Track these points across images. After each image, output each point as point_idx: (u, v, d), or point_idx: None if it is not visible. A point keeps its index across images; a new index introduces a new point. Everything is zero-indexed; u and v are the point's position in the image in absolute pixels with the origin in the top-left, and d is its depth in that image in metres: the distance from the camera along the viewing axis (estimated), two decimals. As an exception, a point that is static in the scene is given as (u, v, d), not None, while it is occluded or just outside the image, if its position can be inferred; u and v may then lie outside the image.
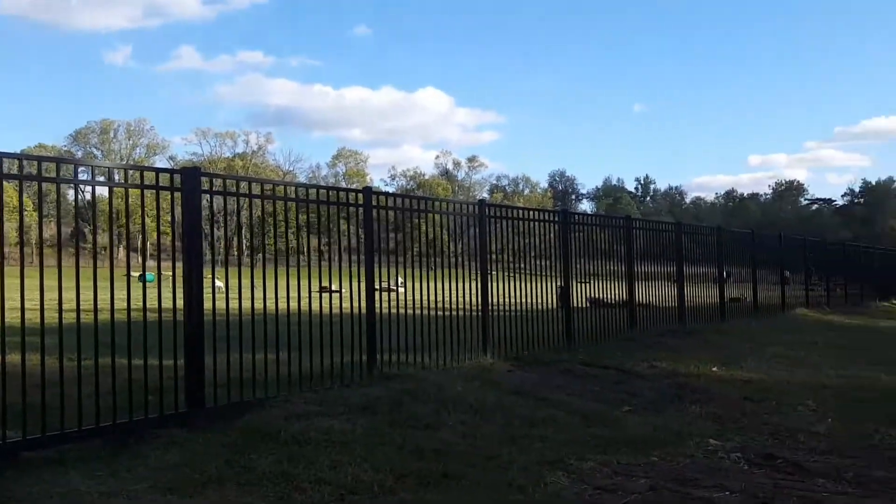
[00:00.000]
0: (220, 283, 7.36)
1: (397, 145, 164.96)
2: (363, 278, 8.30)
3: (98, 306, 5.61)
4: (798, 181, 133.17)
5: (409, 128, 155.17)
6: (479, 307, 10.04)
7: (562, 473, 5.67)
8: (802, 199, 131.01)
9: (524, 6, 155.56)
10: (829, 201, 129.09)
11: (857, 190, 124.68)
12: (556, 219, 11.81)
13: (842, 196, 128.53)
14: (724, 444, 6.81)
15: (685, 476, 5.79)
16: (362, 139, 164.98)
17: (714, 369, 10.41)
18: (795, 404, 8.49)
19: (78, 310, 5.68)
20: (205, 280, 6.53)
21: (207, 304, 6.48)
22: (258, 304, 7.07)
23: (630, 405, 8.36)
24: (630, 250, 13.39)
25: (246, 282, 7.52)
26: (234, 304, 7.30)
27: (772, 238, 21.36)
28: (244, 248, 7.91)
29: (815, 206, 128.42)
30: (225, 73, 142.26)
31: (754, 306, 17.81)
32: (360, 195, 8.34)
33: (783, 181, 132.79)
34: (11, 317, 5.58)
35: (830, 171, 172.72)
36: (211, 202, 6.75)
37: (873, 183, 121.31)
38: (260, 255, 7.76)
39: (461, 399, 7.48)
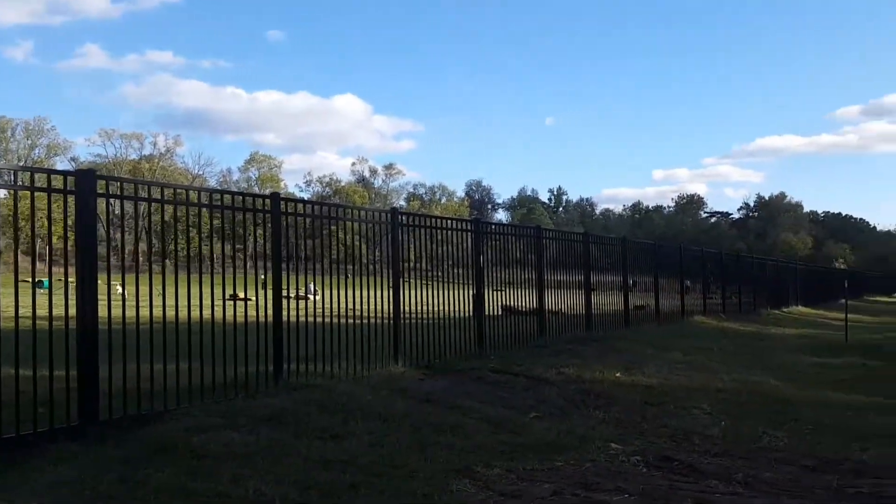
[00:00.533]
0: (121, 290, 7.06)
1: (313, 151, 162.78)
2: (271, 285, 8.14)
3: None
4: (698, 195, 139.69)
5: (325, 134, 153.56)
6: (392, 315, 10.02)
7: (468, 481, 5.71)
8: (702, 212, 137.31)
9: (442, 16, 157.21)
10: (726, 214, 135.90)
11: (751, 204, 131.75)
12: (469, 228, 11.92)
13: (738, 210, 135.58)
14: (625, 448, 7.04)
15: (587, 480, 5.94)
16: (276, 144, 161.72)
17: (617, 375, 10.76)
18: (692, 408, 8.88)
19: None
20: (109, 287, 6.24)
21: (105, 313, 6.19)
22: (160, 313, 6.78)
23: (538, 411, 8.52)
24: (540, 260, 13.67)
25: (148, 289, 7.20)
26: (135, 312, 7.01)
27: (672, 249, 22.31)
28: (146, 254, 7.58)
29: (713, 219, 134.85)
30: (132, 72, 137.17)
31: (656, 314, 18.51)
32: (268, 201, 8.18)
33: (685, 195, 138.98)
34: None
35: (728, 185, 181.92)
36: (107, 206, 6.46)
37: (766, 198, 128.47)
38: (164, 261, 7.45)
39: (370, 408, 7.43)
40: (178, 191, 7.25)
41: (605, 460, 6.62)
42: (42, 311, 6.06)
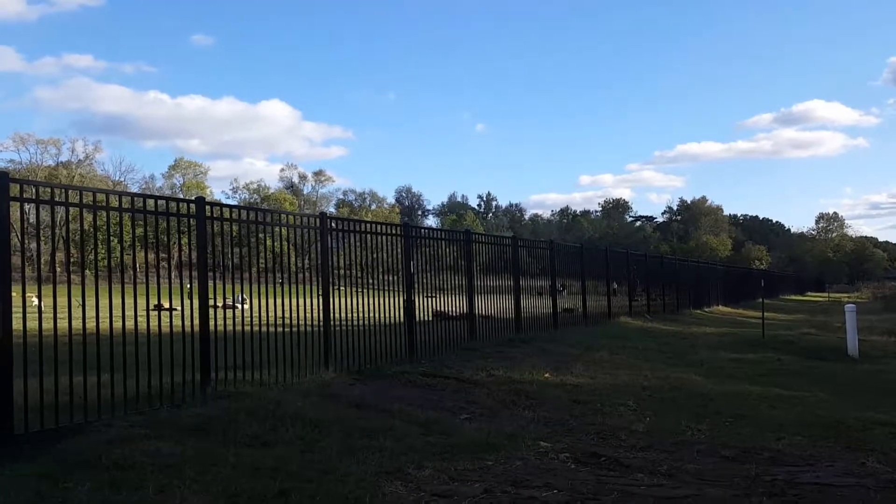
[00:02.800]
0: (37, 302, 6.77)
1: (240, 157, 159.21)
2: (198, 293, 7.96)
3: None
4: (624, 199, 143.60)
5: (252, 140, 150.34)
6: (322, 322, 9.93)
7: (400, 482, 5.73)
8: (627, 217, 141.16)
9: (372, 20, 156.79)
10: (650, 218, 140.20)
11: (674, 208, 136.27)
12: (399, 232, 11.94)
13: (662, 213, 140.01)
14: (553, 446, 7.18)
15: (517, 478, 6.04)
16: (201, 150, 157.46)
17: (546, 375, 10.96)
18: (618, 405, 9.13)
19: None
20: (24, 298, 5.98)
21: (20, 325, 5.93)
22: (80, 325, 6.53)
23: (468, 413, 8.61)
24: (470, 264, 13.81)
25: (66, 301, 6.93)
26: (54, 323, 6.71)
27: (599, 252, 22.88)
28: (64, 263, 7.29)
29: (638, 223, 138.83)
30: (48, 76, 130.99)
31: (584, 316, 18.94)
32: (193, 206, 8.00)
33: (611, 199, 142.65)
34: None
35: (651, 190, 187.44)
36: (21, 212, 6.21)
37: (689, 202, 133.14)
38: (84, 270, 7.18)
39: (300, 414, 7.36)
40: (99, 195, 7.02)
41: (534, 458, 6.74)
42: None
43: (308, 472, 5.74)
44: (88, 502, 4.71)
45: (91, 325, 6.54)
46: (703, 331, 19.31)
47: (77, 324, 6.53)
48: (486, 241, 15.07)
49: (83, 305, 6.54)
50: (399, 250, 11.79)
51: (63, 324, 6.44)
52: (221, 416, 6.81)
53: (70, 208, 6.97)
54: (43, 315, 6.21)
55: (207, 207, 8.05)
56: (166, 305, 8.02)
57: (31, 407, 6.03)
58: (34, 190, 6.24)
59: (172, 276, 7.99)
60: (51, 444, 5.67)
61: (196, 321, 7.87)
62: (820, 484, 5.90)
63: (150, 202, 7.49)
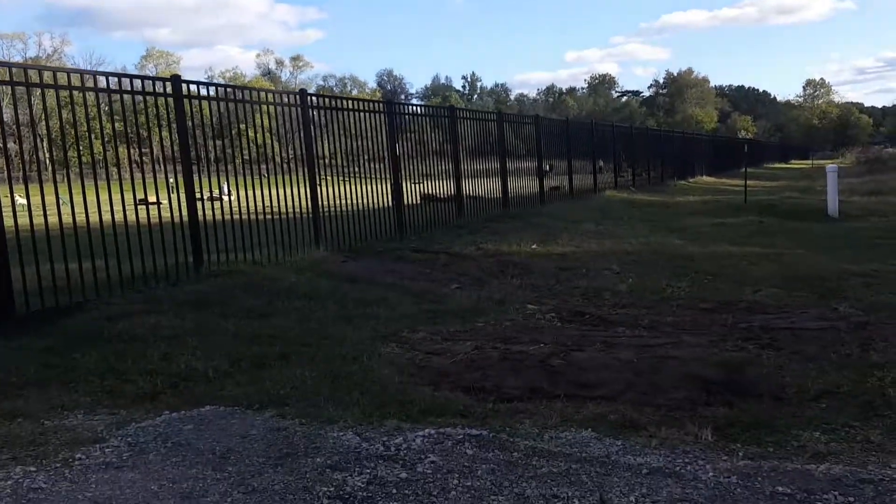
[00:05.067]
0: (22, 201, 6.75)
1: (212, 46, 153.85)
2: (182, 182, 7.96)
3: None
4: (610, 75, 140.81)
5: (224, 27, 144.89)
6: (310, 201, 9.99)
7: (395, 344, 5.99)
8: (614, 92, 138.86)
9: None
10: (637, 93, 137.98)
11: (661, 81, 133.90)
12: (382, 109, 11.79)
13: (648, 87, 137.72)
14: (540, 308, 7.46)
15: (506, 335, 6.32)
16: (172, 40, 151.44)
17: (533, 247, 11.19)
18: (602, 270, 9.40)
19: None
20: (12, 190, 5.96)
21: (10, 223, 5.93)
22: (69, 219, 6.55)
23: (458, 283, 8.86)
24: (456, 140, 13.74)
25: (52, 198, 6.89)
26: (41, 219, 6.70)
27: (584, 126, 22.71)
28: (48, 160, 7.21)
29: (624, 98, 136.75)
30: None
31: (570, 192, 19.07)
32: (169, 84, 7.84)
33: (597, 75, 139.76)
34: None
35: (637, 64, 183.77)
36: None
37: (675, 74, 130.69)
38: (67, 168, 7.13)
39: (294, 289, 7.56)
40: (73, 76, 6.82)
41: (522, 319, 7.02)
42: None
43: (306, 338, 5.97)
44: (96, 370, 4.93)
45: (81, 218, 6.56)
46: (687, 199, 19.55)
47: (66, 219, 6.53)
48: (471, 118, 14.91)
49: (71, 203, 6.53)
50: (383, 132, 11.70)
51: (53, 219, 6.45)
52: (218, 292, 6.99)
53: (47, 98, 6.82)
54: (32, 212, 6.23)
55: (184, 86, 7.89)
56: (151, 200, 8.01)
57: (31, 291, 6.17)
58: (7, 71, 6.09)
59: (155, 170, 7.92)
60: (53, 322, 5.84)
61: (183, 202, 7.90)
62: (794, 328, 6.21)
63: (126, 82, 7.34)
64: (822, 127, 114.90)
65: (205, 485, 3.32)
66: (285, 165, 10.32)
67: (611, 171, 23.36)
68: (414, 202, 12.47)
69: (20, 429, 3.95)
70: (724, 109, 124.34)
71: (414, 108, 13.67)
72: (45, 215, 6.45)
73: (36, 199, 6.54)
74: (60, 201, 6.53)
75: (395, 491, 3.26)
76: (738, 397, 4.55)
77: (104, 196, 6.88)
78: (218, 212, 8.34)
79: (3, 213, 5.94)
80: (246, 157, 9.53)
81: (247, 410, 4.35)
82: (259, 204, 8.97)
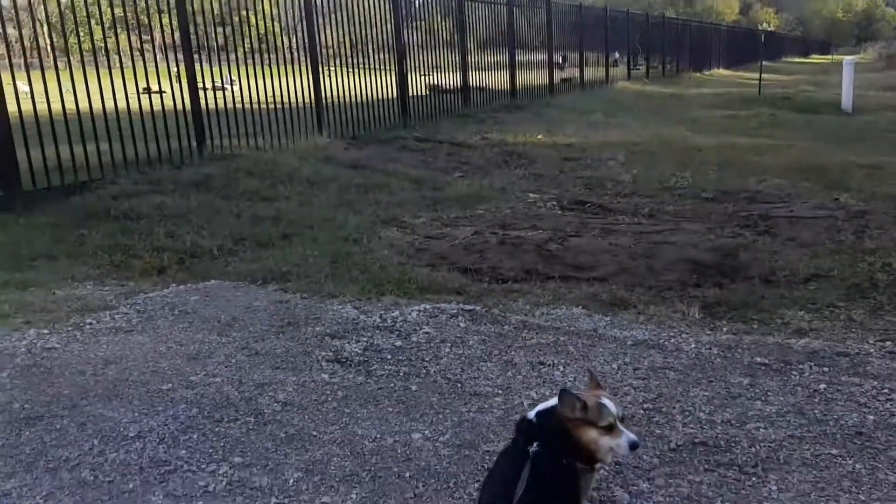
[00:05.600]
0: (25, 88, 6.67)
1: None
2: (185, 69, 7.84)
3: None
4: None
5: None
6: (312, 89, 9.85)
7: (395, 228, 6.08)
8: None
9: None
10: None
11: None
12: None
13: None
14: (542, 196, 7.49)
15: (505, 222, 6.39)
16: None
17: (539, 137, 11.09)
18: (607, 160, 9.35)
19: None
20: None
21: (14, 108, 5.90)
22: (72, 106, 6.49)
23: (461, 172, 8.85)
24: (463, 29, 13.34)
25: (57, 85, 6.79)
26: (45, 106, 6.61)
27: (598, 13, 21.87)
28: (49, 49, 7.04)
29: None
30: None
31: (581, 83, 18.65)
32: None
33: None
34: None
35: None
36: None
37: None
38: (68, 56, 6.97)
39: (297, 174, 7.59)
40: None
41: (522, 207, 7.06)
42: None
43: (308, 220, 6.07)
44: (104, 246, 5.06)
45: (85, 106, 6.51)
46: (700, 92, 19.12)
47: (69, 105, 6.47)
48: (480, 0, 14.37)
49: (73, 90, 6.44)
50: (390, 20, 11.36)
51: (57, 107, 6.38)
52: (221, 175, 7.04)
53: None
54: (35, 99, 6.17)
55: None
56: (155, 89, 7.90)
57: (38, 171, 6.21)
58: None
59: (157, 59, 7.76)
60: (60, 200, 5.93)
61: (186, 87, 7.82)
62: (793, 216, 6.25)
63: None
64: (845, 20, 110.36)
65: (210, 348, 3.48)
66: (289, 54, 10.08)
67: (624, 63, 22.75)
68: (420, 93, 12.27)
69: (32, 297, 4.11)
70: (745, 0, 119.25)
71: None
72: (49, 101, 6.40)
73: (39, 87, 6.48)
74: (63, 89, 6.45)
75: (389, 356, 3.42)
76: (728, 280, 4.65)
77: (107, 83, 6.80)
78: (222, 101, 8.26)
79: (7, 99, 5.90)
80: (249, 46, 9.30)
81: (251, 285, 4.50)
82: (263, 94, 8.85)
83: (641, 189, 7.76)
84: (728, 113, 14.24)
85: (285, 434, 2.69)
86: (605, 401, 2.00)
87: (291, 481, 2.39)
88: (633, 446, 1.98)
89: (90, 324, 3.73)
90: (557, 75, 17.36)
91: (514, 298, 4.30)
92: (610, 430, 1.96)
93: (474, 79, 13.76)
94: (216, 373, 3.21)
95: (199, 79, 7.95)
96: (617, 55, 22.83)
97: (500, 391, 3.07)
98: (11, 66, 6.35)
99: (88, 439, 2.61)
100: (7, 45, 6.39)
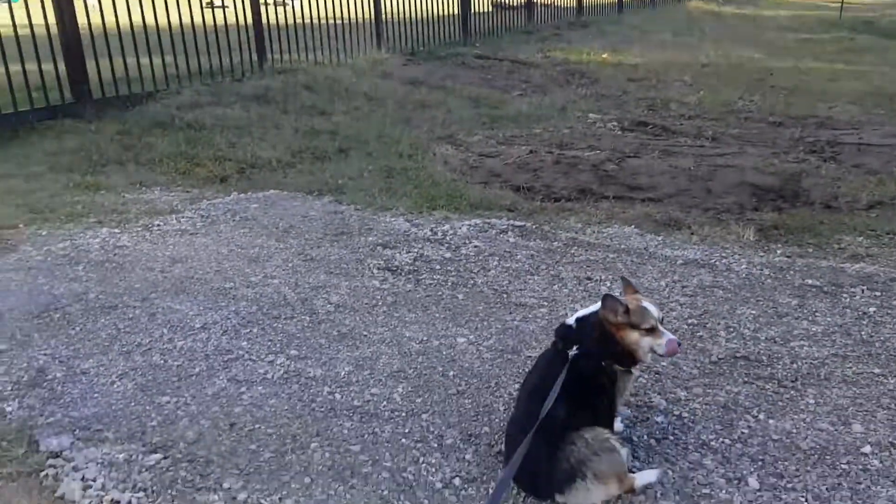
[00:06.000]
0: (93, 2, 6.76)
1: None
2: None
3: None
4: None
5: None
6: (372, 1, 9.73)
7: (450, 145, 6.09)
8: None
9: None
10: None
11: None
12: None
13: None
14: (602, 117, 7.35)
15: (563, 141, 6.32)
16: None
17: (604, 56, 10.76)
18: (673, 81, 9.04)
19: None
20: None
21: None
22: (139, 20, 6.58)
23: (520, 90, 8.71)
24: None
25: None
26: (116, 19, 6.70)
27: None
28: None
29: None
30: None
31: (652, 1, 17.85)
32: None
33: None
34: None
35: None
36: None
37: None
38: None
39: (354, 89, 7.61)
40: None
41: (582, 127, 6.95)
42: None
43: (364, 135, 6.12)
44: (170, 154, 5.24)
45: (150, 20, 6.59)
46: (777, 14, 18.07)
47: (136, 19, 6.55)
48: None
49: (140, 4, 6.51)
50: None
51: (123, 20, 6.46)
52: (280, 88, 7.12)
53: None
54: (96, 13, 6.28)
55: None
56: (217, 4, 7.92)
57: (106, 81, 6.38)
58: None
59: None
60: (127, 109, 6.12)
61: (249, 9, 7.85)
62: (861, 143, 6.00)
63: None
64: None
65: (269, 252, 3.64)
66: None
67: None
68: (483, 10, 11.99)
69: (103, 199, 4.33)
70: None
71: None
72: (116, 14, 6.50)
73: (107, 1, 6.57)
74: (129, 2, 6.53)
75: (438, 267, 3.51)
76: (788, 204, 4.55)
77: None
78: (283, 17, 8.25)
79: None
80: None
81: (307, 196, 4.62)
82: (323, 10, 8.79)
83: (706, 111, 7.53)
84: (804, 36, 13.48)
85: (338, 332, 2.83)
86: (647, 304, 2.05)
87: (343, 374, 2.53)
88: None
89: (158, 225, 3.92)
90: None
91: (566, 217, 4.31)
92: (651, 331, 2.01)
93: (540, -4, 13.36)
94: (274, 275, 3.37)
95: None
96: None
97: (545, 303, 3.14)
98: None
99: (158, 328, 2.80)
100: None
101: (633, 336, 2.01)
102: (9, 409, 2.26)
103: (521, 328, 2.91)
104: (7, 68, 5.63)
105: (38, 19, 5.81)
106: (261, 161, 5.30)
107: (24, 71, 5.74)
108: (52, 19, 5.92)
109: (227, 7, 7.82)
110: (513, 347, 2.75)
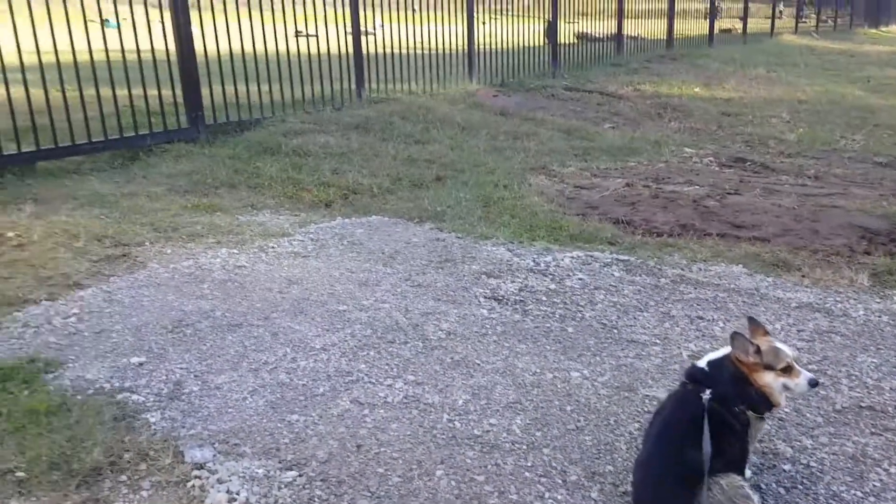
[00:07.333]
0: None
1: None
2: (344, 20, 8.14)
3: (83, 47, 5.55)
4: None
5: None
6: (466, 35, 9.92)
7: (544, 176, 6.13)
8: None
9: None
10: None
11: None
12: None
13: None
14: (698, 152, 7.26)
15: (659, 175, 6.27)
16: None
17: (696, 90, 10.64)
18: (770, 117, 8.86)
19: (73, 49, 5.61)
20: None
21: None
22: (247, 47, 6.91)
23: (611, 123, 8.70)
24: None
25: (233, 24, 7.22)
26: (222, 47, 7.06)
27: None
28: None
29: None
30: None
31: (743, 34, 17.54)
32: None
33: None
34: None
35: None
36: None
37: None
38: None
39: (448, 118, 7.76)
40: None
41: (677, 162, 6.88)
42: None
43: (460, 164, 6.23)
44: (277, 178, 5.46)
45: (249, 47, 6.91)
46: (876, 49, 17.47)
47: (239, 47, 6.87)
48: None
49: (241, 32, 6.83)
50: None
51: (230, 45, 6.80)
52: (378, 118, 7.32)
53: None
54: (217, 34, 6.61)
55: None
56: (307, 33, 8.21)
57: (217, 107, 6.71)
58: None
59: (315, 4, 8.00)
60: (237, 134, 6.42)
61: (349, 37, 8.13)
62: (980, 187, 5.73)
63: None
64: None
65: (377, 276, 3.74)
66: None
67: (791, 15, 21.10)
68: (568, 41, 12.05)
69: (220, 220, 4.55)
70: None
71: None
72: (217, 42, 6.79)
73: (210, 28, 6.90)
74: (231, 31, 6.83)
75: (544, 298, 3.53)
76: (903, 249, 4.38)
77: (272, 24, 7.17)
78: (374, 46, 8.51)
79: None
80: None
81: (408, 222, 4.73)
82: (415, 39, 9.02)
83: (807, 149, 7.35)
84: (909, 72, 12.99)
85: (451, 359, 2.89)
86: (779, 343, 2.02)
87: (460, 402, 2.58)
88: (813, 384, 2.00)
89: (272, 247, 4.09)
90: (717, 25, 16.41)
91: (669, 252, 4.26)
92: (787, 371, 1.98)
93: (628, 26, 13.32)
94: (384, 299, 3.46)
95: (344, 22, 8.20)
96: (781, 5, 21.18)
97: (657, 340, 3.12)
98: (200, 7, 6.76)
99: (281, 347, 2.92)
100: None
101: (767, 377, 1.98)
102: (153, 419, 2.40)
103: (636, 365, 2.89)
104: (130, 92, 6.00)
105: (144, 44, 6.19)
106: (362, 187, 5.46)
107: (146, 96, 6.10)
108: (171, 46, 6.27)
109: (315, 35, 8.10)
110: (629, 385, 2.74)
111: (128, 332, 3.03)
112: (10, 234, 4.09)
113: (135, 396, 2.54)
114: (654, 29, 14.18)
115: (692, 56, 13.88)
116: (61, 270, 3.66)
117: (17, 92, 5.37)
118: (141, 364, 2.76)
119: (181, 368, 2.73)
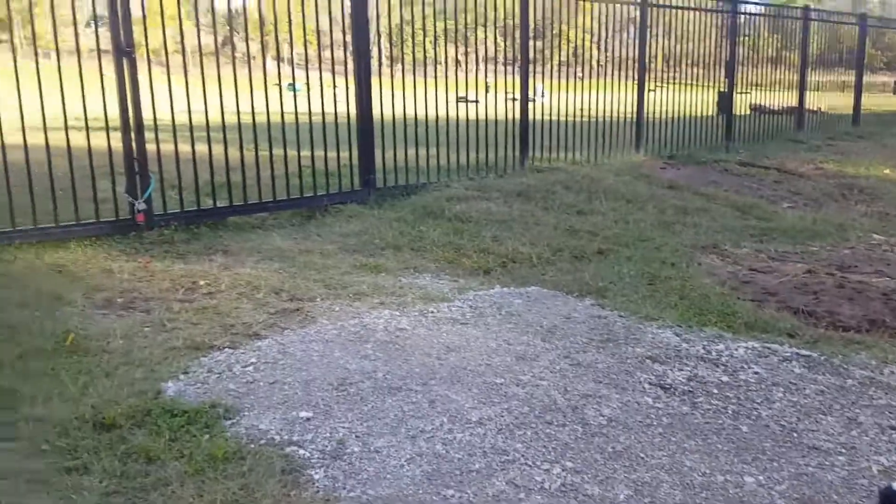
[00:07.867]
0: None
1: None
2: (508, 87, 8.36)
3: (265, 110, 6.10)
4: None
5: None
6: (636, 104, 9.83)
7: (715, 256, 5.83)
8: None
9: None
10: None
11: None
12: (723, 8, 10.92)
13: None
14: (888, 239, 6.64)
15: (844, 263, 5.78)
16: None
17: (886, 171, 9.84)
18: (977, 204, 7.97)
19: (268, 112, 6.17)
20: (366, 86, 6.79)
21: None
22: (412, 111, 7.28)
23: (790, 202, 8.20)
24: (805, 46, 12.31)
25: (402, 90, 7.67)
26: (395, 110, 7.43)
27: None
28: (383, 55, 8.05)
29: None
30: None
31: (942, 110, 16.10)
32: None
33: None
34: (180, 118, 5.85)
35: None
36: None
37: None
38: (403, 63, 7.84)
39: (612, 189, 7.64)
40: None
41: (864, 249, 6.33)
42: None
43: (623, 238, 6.08)
44: (439, 243, 5.60)
45: (412, 112, 7.25)
46: None
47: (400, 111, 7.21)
48: (825, 20, 13.16)
49: (403, 96, 7.18)
50: (716, 34, 10.90)
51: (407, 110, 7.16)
52: (540, 186, 7.36)
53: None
54: (394, 100, 7.01)
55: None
56: (470, 98, 8.49)
57: (387, 170, 7.05)
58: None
59: (477, 70, 8.29)
60: (404, 198, 6.69)
61: (517, 105, 8.31)
62: None
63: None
64: None
65: (535, 351, 3.68)
66: (603, 67, 10.16)
67: None
68: (742, 113, 11.61)
69: (383, 281, 4.70)
70: None
71: (760, 8, 12.44)
72: (381, 106, 7.14)
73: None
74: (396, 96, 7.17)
75: (715, 391, 3.30)
76: None
77: (437, 90, 7.48)
78: (537, 111, 8.63)
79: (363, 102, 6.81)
80: (563, 58, 9.59)
81: (568, 296, 4.64)
82: (576, 106, 9.05)
83: None
84: None
85: (612, 449, 2.75)
86: None
87: (622, 497, 2.43)
88: None
89: (432, 312, 4.16)
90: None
91: (857, 350, 3.87)
92: None
93: (810, 100, 12.64)
94: (542, 376, 3.38)
95: (509, 89, 8.37)
96: None
97: (843, 450, 2.80)
98: (380, 74, 7.19)
99: (438, 416, 2.92)
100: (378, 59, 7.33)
101: None
102: (316, 476, 2.46)
103: (818, 476, 2.61)
104: (313, 154, 6.46)
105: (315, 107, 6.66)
106: (521, 256, 5.46)
107: (326, 158, 6.54)
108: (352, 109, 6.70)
109: (476, 101, 8.32)
110: (810, 498, 2.47)
111: (298, 386, 3.17)
112: (202, 282, 4.47)
113: (301, 451, 2.63)
114: (839, 103, 13.35)
115: (881, 135, 12.91)
116: (243, 320, 3.92)
117: (214, 150, 5.94)
118: (308, 419, 2.85)
119: (344, 427, 2.80)
